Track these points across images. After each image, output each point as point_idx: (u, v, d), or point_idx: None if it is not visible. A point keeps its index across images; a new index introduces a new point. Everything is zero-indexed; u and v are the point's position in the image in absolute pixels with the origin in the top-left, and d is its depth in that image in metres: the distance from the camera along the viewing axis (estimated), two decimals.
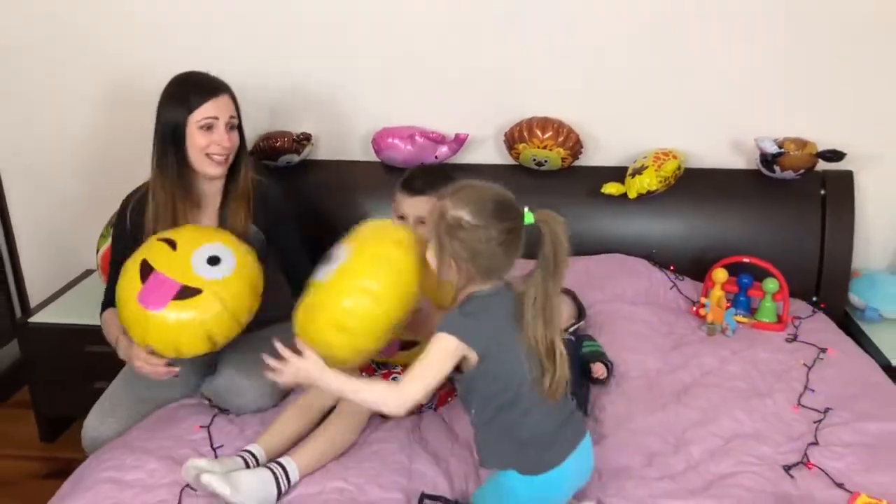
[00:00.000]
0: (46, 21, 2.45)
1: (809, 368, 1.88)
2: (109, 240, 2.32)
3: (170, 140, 1.76)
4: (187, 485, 1.48)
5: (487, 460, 1.40)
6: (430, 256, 1.37)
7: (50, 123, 2.57)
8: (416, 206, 1.78)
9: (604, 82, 2.34)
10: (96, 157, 2.59)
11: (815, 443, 1.60)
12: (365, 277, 1.41)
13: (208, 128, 1.75)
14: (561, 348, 1.37)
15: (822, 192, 2.26)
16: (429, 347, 1.34)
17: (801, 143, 2.21)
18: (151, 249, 1.66)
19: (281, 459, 1.52)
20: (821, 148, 2.21)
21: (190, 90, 1.77)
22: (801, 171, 2.21)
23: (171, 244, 1.65)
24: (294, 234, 1.95)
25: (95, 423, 1.77)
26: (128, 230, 1.86)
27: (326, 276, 1.45)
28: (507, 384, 1.35)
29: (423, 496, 1.45)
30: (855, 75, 2.25)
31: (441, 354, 1.33)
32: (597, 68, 2.33)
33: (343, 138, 2.48)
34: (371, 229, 1.53)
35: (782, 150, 2.19)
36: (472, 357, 1.33)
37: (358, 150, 2.49)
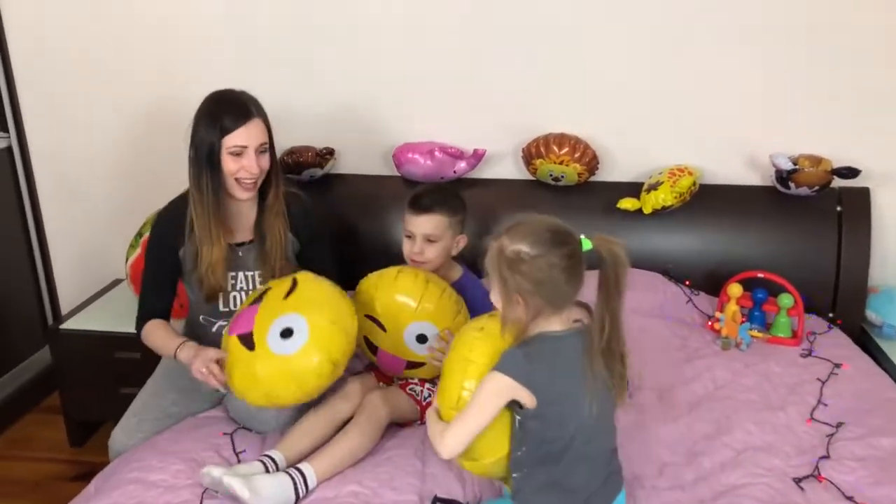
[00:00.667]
0: (93, 37, 2.55)
1: (823, 383, 1.89)
2: (138, 250, 2.41)
3: (205, 161, 1.75)
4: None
5: (522, 500, 1.39)
6: (495, 297, 1.36)
7: (85, 135, 2.66)
8: (423, 223, 1.84)
9: (620, 99, 2.37)
10: (128, 168, 2.68)
11: (827, 456, 1.61)
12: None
13: (238, 154, 1.75)
14: (624, 351, 1.35)
15: (839, 208, 2.27)
16: (478, 389, 1.33)
17: (816, 160, 2.22)
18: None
19: (300, 465, 1.56)
20: (836, 165, 2.23)
21: (223, 113, 1.75)
22: (816, 187, 2.22)
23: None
24: (326, 253, 1.97)
25: (123, 440, 1.80)
26: (162, 246, 1.86)
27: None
28: (563, 432, 1.33)
29: (436, 499, 1.48)
30: (871, 92, 2.26)
31: (488, 397, 1.32)
32: (614, 85, 2.36)
33: (365, 153, 2.53)
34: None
35: (797, 166, 2.20)
36: (529, 401, 1.31)
37: (380, 165, 2.54)
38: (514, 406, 1.36)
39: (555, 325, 1.35)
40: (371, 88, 2.47)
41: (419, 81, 2.44)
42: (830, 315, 2.26)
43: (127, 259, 2.46)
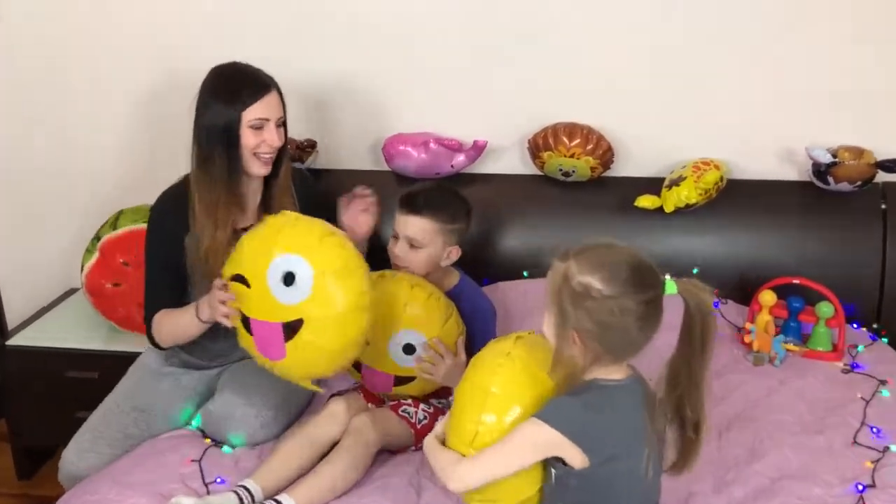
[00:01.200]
0: (35, 29, 2.55)
1: (867, 402, 1.88)
2: (95, 255, 2.40)
3: (219, 139, 1.80)
4: None
5: None
6: (548, 328, 1.29)
7: (26, 137, 2.65)
8: (408, 225, 1.82)
9: (638, 85, 2.35)
10: (76, 170, 2.66)
11: (873, 485, 1.60)
12: None
13: (259, 127, 1.82)
14: (702, 418, 1.30)
15: (883, 205, 2.26)
16: (514, 433, 1.27)
17: (858, 152, 2.22)
18: (238, 296, 1.65)
19: (279, 497, 1.55)
20: (879, 157, 2.23)
21: (241, 86, 1.82)
22: (858, 182, 2.22)
23: (242, 280, 1.64)
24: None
25: (73, 458, 1.80)
26: (166, 235, 1.88)
27: None
28: (610, 495, 1.28)
29: None
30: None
31: (524, 447, 1.26)
32: (630, 69, 2.34)
33: (351, 146, 2.52)
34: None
35: (836, 159, 2.20)
36: (579, 461, 1.24)
37: (367, 159, 2.53)
38: (552, 461, 1.29)
39: (613, 372, 1.29)
40: (359, 73, 2.45)
41: (413, 65, 2.42)
42: (875, 326, 2.25)
43: (83, 266, 2.44)
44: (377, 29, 2.41)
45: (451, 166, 2.39)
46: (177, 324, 1.83)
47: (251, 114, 1.81)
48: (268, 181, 1.94)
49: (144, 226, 2.39)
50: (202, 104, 1.84)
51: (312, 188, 2.08)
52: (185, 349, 1.96)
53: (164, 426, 1.88)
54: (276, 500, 1.54)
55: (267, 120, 1.83)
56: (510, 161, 2.47)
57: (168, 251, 1.87)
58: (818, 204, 2.30)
